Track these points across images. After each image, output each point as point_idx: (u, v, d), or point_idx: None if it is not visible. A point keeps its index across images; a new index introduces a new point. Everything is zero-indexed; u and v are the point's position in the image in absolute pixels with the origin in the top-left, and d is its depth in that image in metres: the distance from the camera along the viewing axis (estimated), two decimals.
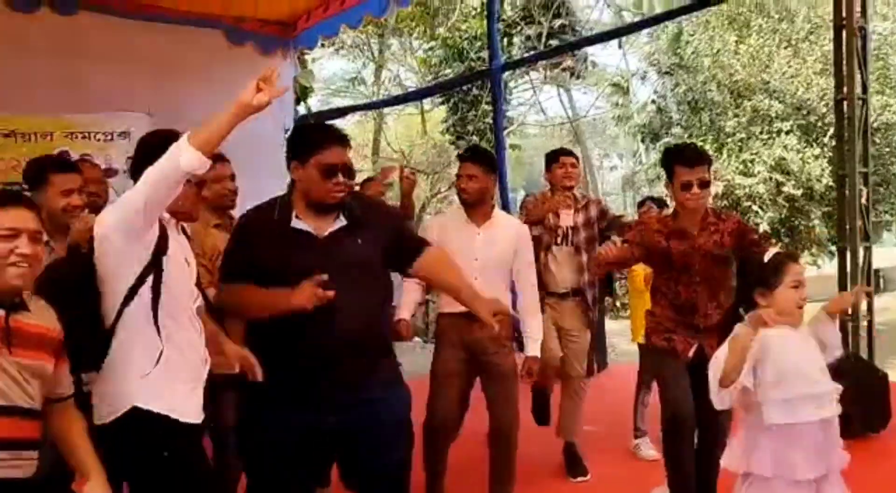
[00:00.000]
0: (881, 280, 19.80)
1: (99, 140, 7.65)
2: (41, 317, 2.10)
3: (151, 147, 2.40)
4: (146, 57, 7.75)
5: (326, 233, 2.60)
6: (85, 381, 2.70)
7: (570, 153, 4.58)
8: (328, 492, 3.85)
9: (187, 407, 2.41)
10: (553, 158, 4.51)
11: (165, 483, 2.33)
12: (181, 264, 2.45)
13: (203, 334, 2.54)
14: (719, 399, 2.51)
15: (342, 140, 2.67)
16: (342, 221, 2.63)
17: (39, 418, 2.07)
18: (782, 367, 2.49)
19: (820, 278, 11.69)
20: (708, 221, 3.34)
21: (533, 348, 3.70)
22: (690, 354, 3.34)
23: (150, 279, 2.32)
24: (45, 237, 2.56)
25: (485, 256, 3.58)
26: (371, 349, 2.65)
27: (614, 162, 33.63)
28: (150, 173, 2.19)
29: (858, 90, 5.48)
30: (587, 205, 4.44)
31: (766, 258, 2.54)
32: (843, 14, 5.40)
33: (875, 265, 18.52)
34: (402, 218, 3.58)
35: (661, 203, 5.01)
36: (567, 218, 4.31)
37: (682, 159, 3.25)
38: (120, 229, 2.28)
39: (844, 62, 5.42)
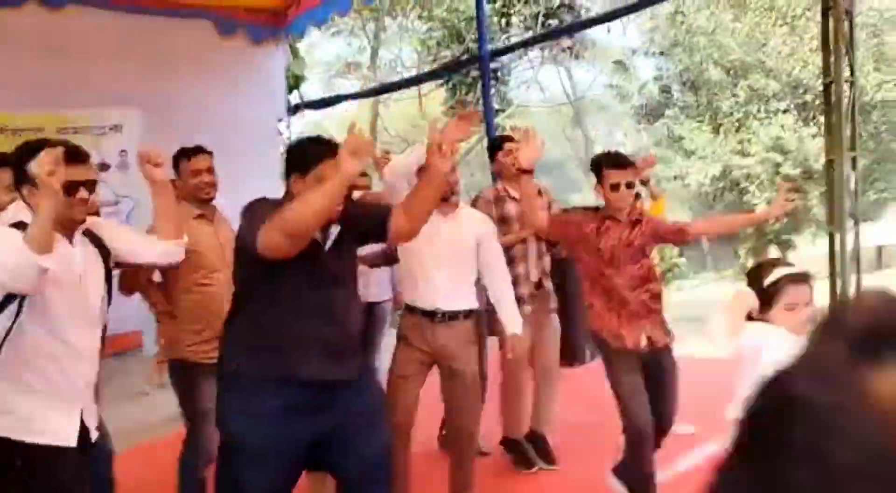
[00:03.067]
0: (882, 256, 19.80)
1: (91, 135, 7.67)
2: None
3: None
4: (136, 51, 7.75)
5: (329, 243, 2.69)
6: None
7: (513, 139, 4.39)
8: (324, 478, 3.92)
9: (52, 431, 2.42)
10: (497, 145, 4.45)
11: None
12: (61, 282, 2.39)
13: (98, 351, 2.56)
14: (722, 342, 2.41)
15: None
16: (336, 230, 2.71)
17: None
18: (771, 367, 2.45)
19: (820, 257, 11.71)
20: (631, 218, 3.61)
21: (512, 327, 3.65)
22: (643, 345, 3.50)
23: (10, 308, 2.31)
24: None
25: (448, 246, 3.56)
26: (352, 351, 2.77)
27: (618, 139, 33.50)
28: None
29: (846, 74, 5.45)
30: (540, 191, 4.36)
31: (772, 277, 2.41)
32: None
33: (876, 242, 18.46)
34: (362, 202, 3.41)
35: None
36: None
37: (610, 163, 3.55)
38: None
39: (832, 46, 5.38)
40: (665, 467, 4.10)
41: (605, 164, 3.56)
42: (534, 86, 23.75)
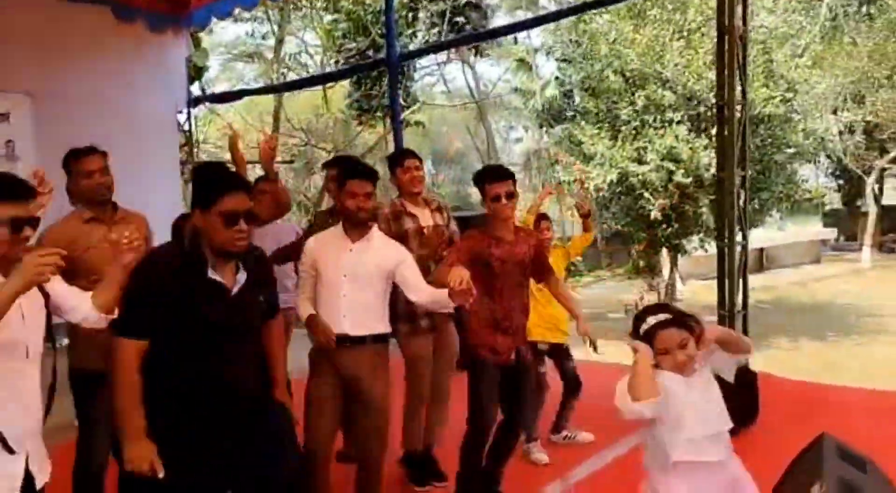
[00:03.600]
0: (764, 259, 20.91)
1: None
2: None
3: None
4: (27, 34, 7.39)
5: (236, 288, 2.67)
6: None
7: (413, 155, 4.45)
8: None
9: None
10: (396, 161, 4.43)
11: None
12: (8, 321, 2.26)
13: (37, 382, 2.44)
14: (632, 411, 2.51)
15: (244, 186, 2.70)
16: (243, 275, 2.69)
17: None
18: (680, 409, 2.54)
19: (708, 258, 12.26)
20: (518, 232, 3.88)
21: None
22: (512, 357, 3.82)
23: None
24: None
25: (354, 271, 3.50)
26: (257, 390, 2.81)
27: (519, 134, 33.96)
28: None
29: (738, 96, 5.72)
30: (440, 207, 4.49)
31: (644, 325, 2.62)
32: (726, 22, 5.58)
33: (758, 245, 19.34)
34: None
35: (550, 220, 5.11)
36: (427, 219, 4.32)
37: (490, 176, 3.78)
38: None
39: (726, 69, 5.62)
40: (566, 475, 4.26)
41: (487, 178, 3.77)
42: (439, 81, 23.95)
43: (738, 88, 5.73)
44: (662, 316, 2.61)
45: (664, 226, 11.90)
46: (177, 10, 8.52)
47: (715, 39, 5.89)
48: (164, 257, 2.71)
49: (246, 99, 14.18)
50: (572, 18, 11.21)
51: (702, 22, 11.40)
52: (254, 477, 2.75)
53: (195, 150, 10.05)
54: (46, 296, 2.48)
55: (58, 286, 2.50)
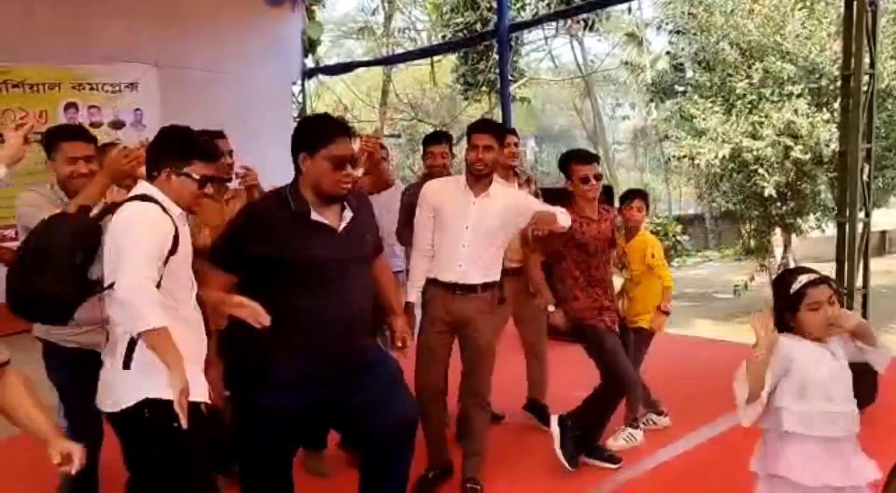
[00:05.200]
0: (887, 242, 19.86)
1: (106, 91, 7.69)
2: None
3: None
4: (152, 7, 7.74)
5: (342, 227, 2.79)
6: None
7: (512, 132, 4.57)
8: (321, 455, 4.04)
9: (194, 387, 2.46)
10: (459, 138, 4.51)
11: (169, 465, 2.46)
12: (185, 252, 2.54)
13: (201, 313, 2.65)
14: (746, 416, 2.55)
15: (348, 131, 2.80)
16: (350, 214, 2.81)
17: None
18: (805, 381, 2.53)
19: (825, 240, 11.73)
20: (600, 210, 4.03)
21: (560, 218, 3.69)
22: (617, 327, 4.01)
23: (164, 268, 2.40)
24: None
25: (477, 224, 3.62)
26: (363, 322, 2.89)
27: (626, 112, 33.33)
28: (134, 294, 2.28)
29: (866, 66, 5.44)
30: (528, 180, 4.67)
31: (796, 284, 2.59)
32: None
33: (882, 227, 18.35)
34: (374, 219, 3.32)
35: (647, 199, 4.72)
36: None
37: (578, 158, 3.94)
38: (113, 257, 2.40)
39: (854, 38, 5.36)
40: (644, 461, 4.19)
41: (574, 159, 3.93)
42: (545, 54, 23.68)
43: (867, 59, 5.44)
44: (814, 275, 2.60)
45: (779, 204, 11.47)
46: None
47: (841, 8, 5.60)
48: (267, 201, 2.87)
49: (355, 74, 14.45)
50: None
51: None
52: (366, 419, 2.86)
53: None
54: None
55: None
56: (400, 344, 3.27)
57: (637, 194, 4.63)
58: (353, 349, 2.83)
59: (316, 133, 2.74)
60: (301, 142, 2.77)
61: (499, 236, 3.70)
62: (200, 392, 2.52)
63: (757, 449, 2.72)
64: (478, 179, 3.65)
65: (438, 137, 4.68)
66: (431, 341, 3.74)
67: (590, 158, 3.94)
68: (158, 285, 2.38)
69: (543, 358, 4.75)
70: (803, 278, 2.59)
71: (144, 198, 2.46)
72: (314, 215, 2.73)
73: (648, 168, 31.53)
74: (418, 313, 3.82)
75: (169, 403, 2.29)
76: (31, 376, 2.22)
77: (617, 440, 4.35)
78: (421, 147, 4.74)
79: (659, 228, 18.46)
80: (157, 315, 2.25)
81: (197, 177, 2.54)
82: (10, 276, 2.50)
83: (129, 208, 2.44)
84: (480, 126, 3.75)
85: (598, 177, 3.90)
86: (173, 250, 2.43)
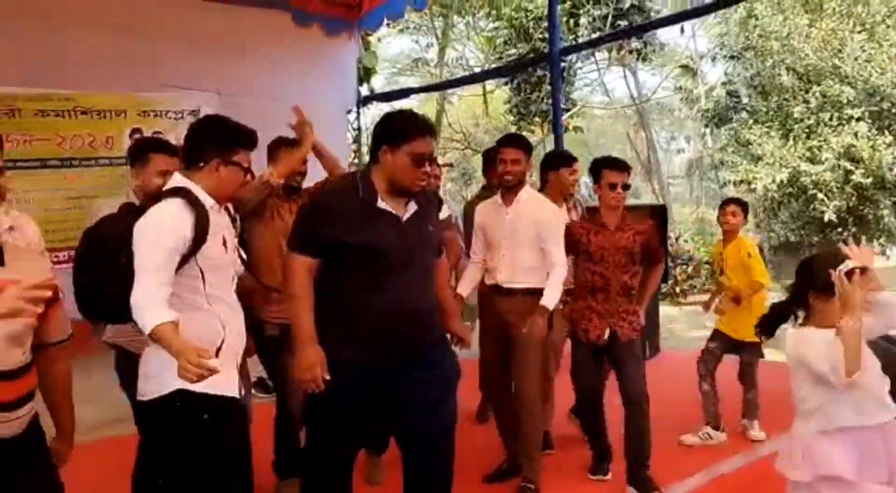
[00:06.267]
0: None
1: (170, 118, 7.93)
2: (17, 270, 2.04)
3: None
4: (216, 37, 7.99)
5: (406, 216, 2.85)
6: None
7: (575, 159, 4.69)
8: (378, 461, 4.06)
9: (228, 382, 2.53)
10: (564, 161, 4.60)
11: (200, 459, 2.48)
12: (219, 245, 2.59)
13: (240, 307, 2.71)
14: (847, 384, 2.35)
15: (432, 131, 2.90)
16: (414, 206, 2.88)
17: (23, 376, 2.06)
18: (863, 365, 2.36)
19: (888, 270, 11.40)
20: (625, 221, 3.98)
21: (543, 300, 3.78)
22: (606, 337, 3.93)
23: (192, 261, 2.48)
24: None
25: (510, 233, 3.89)
26: (428, 317, 2.95)
27: (681, 145, 33.07)
28: (140, 300, 2.36)
29: None
30: (575, 204, 4.86)
31: (840, 269, 2.37)
32: None
33: None
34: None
35: (747, 206, 4.91)
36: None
37: (609, 165, 3.97)
38: None
39: None
40: (695, 476, 4.12)
41: (606, 165, 3.98)
42: (598, 88, 23.68)
43: None
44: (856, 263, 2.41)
45: (839, 230, 11.21)
46: (351, 14, 8.95)
47: None
48: (337, 186, 2.97)
49: (408, 105, 14.69)
50: (742, 13, 10.79)
51: (887, 13, 10.69)
52: (420, 414, 2.89)
53: (363, 148, 10.49)
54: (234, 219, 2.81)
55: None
56: (459, 345, 3.33)
57: (731, 201, 4.89)
58: (415, 341, 2.85)
59: (400, 128, 2.81)
60: (384, 134, 2.84)
61: (534, 243, 3.87)
62: (232, 387, 2.55)
63: (791, 456, 2.58)
64: (508, 190, 3.93)
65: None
66: (486, 348, 4.06)
67: (622, 167, 3.98)
68: (182, 279, 2.46)
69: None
70: (850, 263, 2.38)
71: (176, 192, 2.51)
72: (380, 203, 2.80)
73: (704, 201, 31.14)
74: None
75: (200, 395, 2.37)
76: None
77: (692, 436, 4.54)
78: (473, 177, 5.07)
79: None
80: (158, 315, 2.30)
81: (245, 165, 2.61)
82: (74, 279, 2.62)
83: (151, 212, 2.48)
84: (507, 140, 4.04)
85: (625, 187, 3.93)
86: (201, 241, 2.47)
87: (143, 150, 3.29)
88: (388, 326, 2.76)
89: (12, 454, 2.05)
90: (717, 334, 4.77)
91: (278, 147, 3.94)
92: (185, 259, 2.46)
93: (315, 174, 4.15)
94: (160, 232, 2.43)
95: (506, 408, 4.05)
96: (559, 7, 11.41)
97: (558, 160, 4.64)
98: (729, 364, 4.87)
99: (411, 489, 3.02)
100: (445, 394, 2.98)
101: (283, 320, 3.35)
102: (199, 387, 2.30)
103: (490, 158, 4.85)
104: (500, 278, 3.93)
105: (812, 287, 2.51)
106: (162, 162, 3.16)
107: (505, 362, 3.95)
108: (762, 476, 4.02)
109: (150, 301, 2.34)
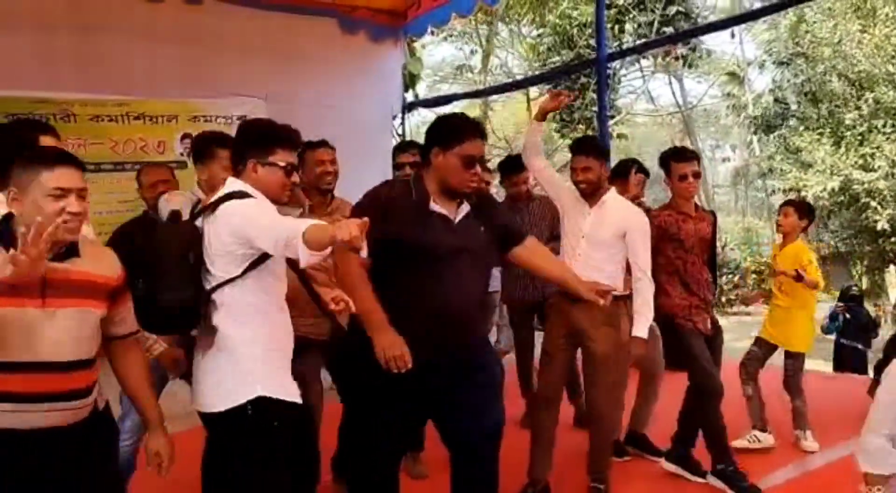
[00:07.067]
0: None
1: (219, 123, 8.02)
2: (93, 263, 2.13)
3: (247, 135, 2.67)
4: (264, 44, 8.10)
5: (459, 218, 2.87)
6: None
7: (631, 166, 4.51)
8: (418, 456, 4.07)
9: (292, 388, 2.55)
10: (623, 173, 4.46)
11: (268, 466, 2.47)
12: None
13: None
14: None
15: (482, 133, 2.90)
16: (466, 208, 2.89)
17: (86, 367, 2.12)
18: None
19: None
20: (698, 211, 4.10)
21: (636, 329, 3.68)
22: (709, 327, 4.02)
23: (257, 269, 2.45)
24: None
25: (591, 233, 3.71)
26: (476, 317, 2.98)
27: (726, 153, 32.69)
28: (281, 236, 2.24)
29: None
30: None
31: None
32: None
33: None
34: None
35: (810, 209, 4.83)
36: None
37: (677, 156, 4.01)
38: (239, 241, 2.40)
39: None
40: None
41: (675, 157, 4.01)
42: (643, 95, 23.51)
43: None
44: None
45: (893, 239, 10.94)
46: (396, 21, 9.01)
47: None
48: (390, 187, 2.93)
49: (453, 110, 14.68)
50: (792, 19, 10.62)
51: None
52: (467, 417, 2.89)
53: None
54: None
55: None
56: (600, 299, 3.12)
57: (789, 203, 4.89)
58: (463, 340, 2.87)
59: (452, 130, 2.83)
60: (436, 136, 2.86)
61: (614, 247, 3.72)
62: (294, 392, 2.55)
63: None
64: (586, 195, 3.78)
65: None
66: (551, 347, 3.84)
67: (689, 157, 4.02)
68: (258, 283, 2.46)
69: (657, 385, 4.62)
70: None
71: (241, 195, 2.47)
72: (432, 205, 2.82)
73: (750, 211, 30.67)
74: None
75: (275, 401, 2.41)
76: None
77: (741, 440, 4.46)
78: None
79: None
80: (298, 225, 2.23)
81: (282, 164, 2.54)
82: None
83: (231, 204, 2.44)
84: (576, 147, 3.90)
85: (696, 175, 3.98)
86: None
87: (208, 143, 3.28)
88: (435, 324, 2.76)
89: (67, 446, 2.10)
90: (759, 342, 4.76)
91: (303, 151, 3.80)
92: (258, 261, 2.44)
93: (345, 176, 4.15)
94: (260, 203, 2.46)
95: (547, 417, 3.85)
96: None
97: (624, 167, 4.58)
98: (774, 376, 4.80)
99: (459, 491, 3.04)
100: (493, 398, 2.98)
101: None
102: (272, 393, 2.38)
103: (505, 167, 4.92)
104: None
105: None
106: (227, 156, 3.08)
107: (565, 375, 3.90)
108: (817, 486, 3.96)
109: (292, 222, 2.31)
